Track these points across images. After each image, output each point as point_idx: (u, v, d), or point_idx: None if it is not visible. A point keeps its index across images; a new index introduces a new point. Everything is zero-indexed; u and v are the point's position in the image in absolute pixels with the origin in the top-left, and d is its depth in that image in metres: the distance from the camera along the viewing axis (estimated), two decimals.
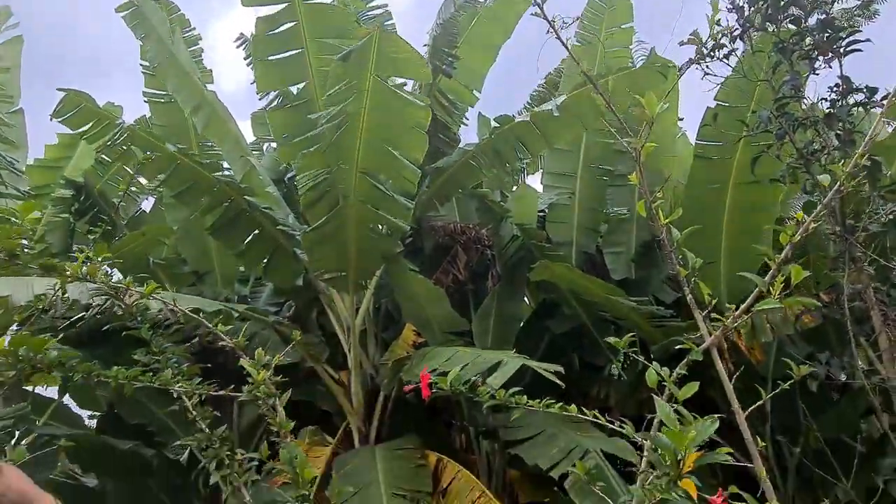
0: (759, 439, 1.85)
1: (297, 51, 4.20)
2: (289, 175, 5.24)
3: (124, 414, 4.86)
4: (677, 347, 1.89)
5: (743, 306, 1.79)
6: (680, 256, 1.95)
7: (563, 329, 5.24)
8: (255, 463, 2.42)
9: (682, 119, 6.01)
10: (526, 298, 6.22)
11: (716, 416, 1.70)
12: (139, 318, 2.60)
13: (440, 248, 5.49)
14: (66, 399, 6.14)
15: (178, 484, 5.33)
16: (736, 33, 3.44)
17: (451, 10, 5.30)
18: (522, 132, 4.39)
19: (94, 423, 6.23)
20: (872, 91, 3.21)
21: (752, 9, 3.48)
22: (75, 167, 6.14)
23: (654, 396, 1.62)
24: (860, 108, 3.28)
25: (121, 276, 5.50)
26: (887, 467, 3.52)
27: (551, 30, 2.36)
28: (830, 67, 3.42)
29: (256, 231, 4.75)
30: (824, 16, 3.36)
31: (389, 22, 5.47)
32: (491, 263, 5.46)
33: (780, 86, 3.49)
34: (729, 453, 1.83)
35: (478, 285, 5.50)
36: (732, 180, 4.50)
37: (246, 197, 4.49)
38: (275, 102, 4.77)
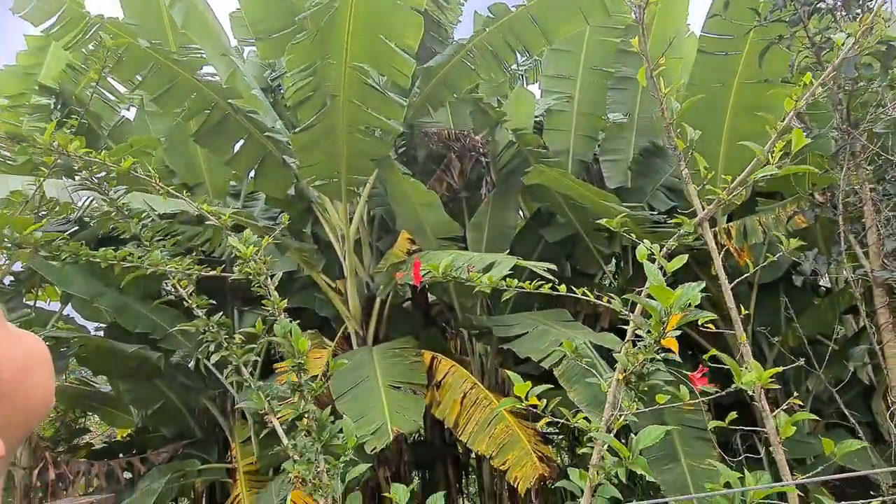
0: (741, 307, 1.89)
1: None
2: (273, 76, 4.98)
3: (125, 323, 4.97)
4: (672, 221, 1.88)
5: (741, 176, 1.75)
6: (678, 130, 1.88)
7: (556, 237, 5.26)
8: (255, 346, 2.50)
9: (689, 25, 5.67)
10: (521, 211, 6.20)
11: (700, 282, 1.72)
12: (126, 213, 2.56)
13: (433, 157, 5.37)
14: (72, 312, 6.28)
15: (186, 384, 5.60)
16: None
17: None
18: (519, 26, 4.13)
19: (100, 334, 6.42)
20: None
21: None
22: (47, 74, 5.81)
23: (645, 263, 1.63)
24: None
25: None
26: (858, 355, 3.69)
27: None
28: None
29: (244, 137, 4.60)
30: None
31: None
32: (485, 171, 5.37)
33: None
34: (712, 320, 1.88)
35: (472, 194, 5.44)
36: (737, 79, 4.31)
37: (231, 101, 4.30)
38: None
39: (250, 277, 2.01)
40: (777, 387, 1.78)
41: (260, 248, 2.01)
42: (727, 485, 1.69)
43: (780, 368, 1.66)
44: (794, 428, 1.69)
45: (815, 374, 3.74)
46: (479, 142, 5.06)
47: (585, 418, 1.91)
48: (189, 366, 6.17)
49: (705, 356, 1.75)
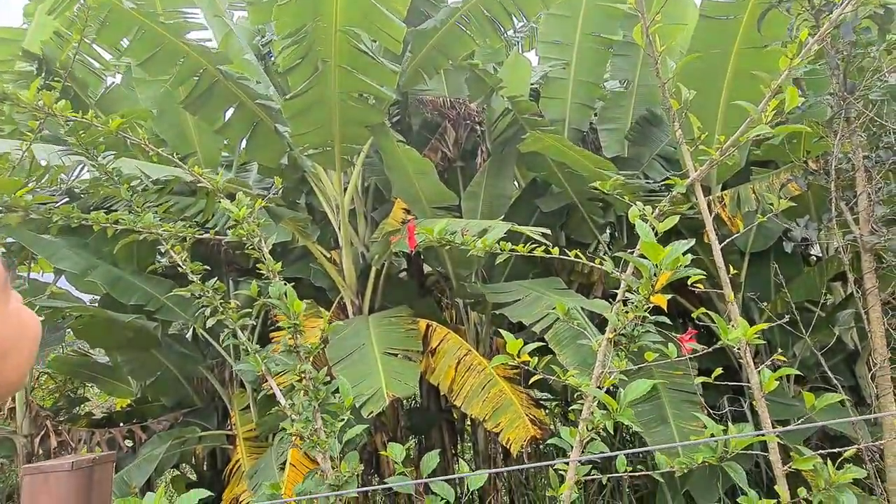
0: (730, 267, 1.92)
1: None
2: (263, 41, 4.87)
3: (119, 295, 4.96)
4: (663, 182, 1.89)
5: (734, 136, 1.75)
6: (673, 90, 1.87)
7: (551, 207, 5.27)
8: (251, 311, 2.52)
9: None
10: (516, 181, 6.18)
11: (689, 240, 1.74)
12: (116, 179, 2.54)
13: (428, 125, 5.31)
14: (66, 285, 6.27)
15: (184, 354, 5.66)
16: None
17: None
18: None
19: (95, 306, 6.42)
20: None
21: None
22: (32, 39, 5.65)
23: (637, 221, 1.65)
24: None
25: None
26: (844, 319, 3.77)
27: None
28: None
29: (234, 105, 4.52)
30: None
31: None
32: (481, 140, 5.32)
33: None
34: (700, 281, 1.91)
35: (467, 163, 5.41)
36: (737, 45, 4.25)
37: (220, 67, 4.21)
38: None
39: (244, 240, 2.01)
40: (762, 342, 1.82)
41: (253, 210, 2.01)
42: (712, 436, 1.75)
43: (766, 325, 1.70)
44: (777, 382, 1.74)
45: (802, 340, 3.82)
46: (475, 110, 5.00)
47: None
48: (186, 336, 6.23)
49: (694, 314, 1.79)
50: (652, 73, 5.79)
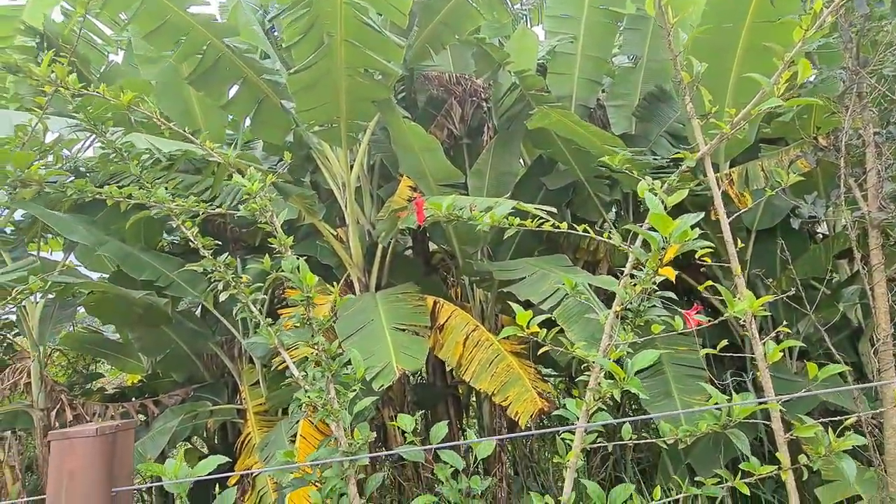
0: (738, 241, 1.93)
1: None
2: (269, 16, 4.81)
3: (129, 270, 5.00)
4: (672, 158, 1.89)
5: (745, 109, 1.75)
6: (685, 61, 1.86)
7: (557, 185, 5.26)
8: (262, 285, 2.56)
9: None
10: (522, 159, 6.15)
11: (698, 213, 1.76)
12: (125, 155, 2.55)
13: (433, 102, 5.27)
14: (75, 263, 6.34)
15: (194, 330, 5.75)
16: None
17: None
18: None
19: None
20: None
21: None
22: (33, 13, 5.59)
23: (646, 194, 1.66)
24: None
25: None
26: (850, 295, 3.79)
27: None
28: None
29: (240, 81, 4.49)
30: None
31: None
32: (487, 117, 5.28)
33: None
34: (706, 254, 1.93)
35: (473, 140, 5.38)
36: (749, 19, 4.17)
37: (226, 41, 4.17)
38: None
39: (256, 215, 2.03)
40: (767, 314, 1.84)
41: (265, 185, 2.03)
42: (716, 405, 1.79)
43: (772, 297, 1.72)
44: (781, 354, 1.77)
45: (807, 317, 3.85)
46: (481, 86, 4.95)
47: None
48: (196, 313, 6.32)
49: (701, 286, 1.81)
50: (661, 48, 5.70)
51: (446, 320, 4.16)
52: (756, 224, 4.79)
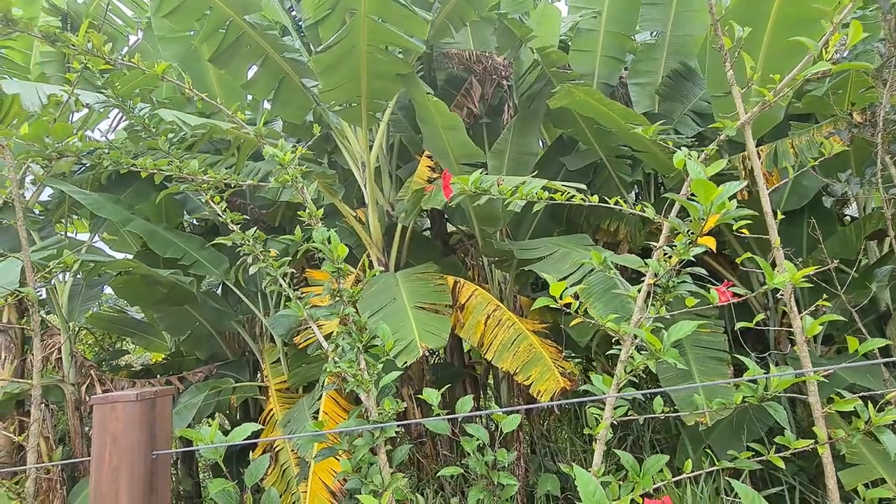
0: (778, 213, 1.89)
1: None
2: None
3: (156, 247, 5.07)
4: (711, 126, 1.85)
5: (790, 74, 1.69)
6: (726, 27, 1.80)
7: (577, 165, 5.19)
8: (289, 258, 2.58)
9: None
10: (541, 141, 6.08)
11: (740, 181, 1.71)
12: (153, 131, 2.57)
13: (453, 80, 5.21)
14: (101, 244, 6.47)
15: (217, 309, 5.84)
16: None
17: None
18: None
19: None
20: None
21: None
22: None
23: (687, 161, 1.62)
24: None
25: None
26: (882, 275, 3.70)
27: None
28: None
29: (261, 60, 4.48)
30: None
31: None
32: (507, 96, 5.21)
33: None
34: (745, 225, 1.89)
35: (493, 120, 5.32)
36: None
37: (247, 18, 4.15)
38: None
39: (287, 185, 2.04)
40: (809, 285, 1.80)
41: (295, 156, 2.03)
42: (752, 381, 1.77)
43: (813, 269, 1.68)
44: (821, 327, 1.74)
45: (836, 299, 3.78)
46: (502, 64, 4.87)
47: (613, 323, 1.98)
48: (217, 292, 6.42)
49: (738, 259, 1.78)
50: (685, 22, 5.52)
51: (467, 300, 4.17)
52: (783, 205, 4.69)
